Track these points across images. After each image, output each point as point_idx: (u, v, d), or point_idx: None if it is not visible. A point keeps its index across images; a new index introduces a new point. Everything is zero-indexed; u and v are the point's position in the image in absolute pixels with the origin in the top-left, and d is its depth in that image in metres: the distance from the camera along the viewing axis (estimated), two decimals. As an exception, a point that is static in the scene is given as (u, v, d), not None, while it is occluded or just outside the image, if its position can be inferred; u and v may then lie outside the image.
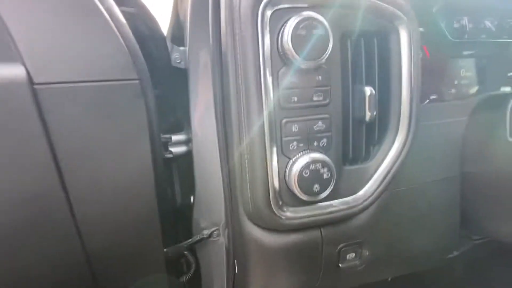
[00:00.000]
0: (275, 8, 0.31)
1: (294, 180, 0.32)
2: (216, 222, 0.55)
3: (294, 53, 0.30)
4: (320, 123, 0.33)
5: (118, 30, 0.50)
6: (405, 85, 0.37)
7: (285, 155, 0.33)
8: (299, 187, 0.32)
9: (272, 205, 0.34)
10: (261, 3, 0.31)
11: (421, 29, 0.50)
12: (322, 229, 0.38)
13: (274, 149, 0.33)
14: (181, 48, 0.68)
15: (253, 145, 0.33)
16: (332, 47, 0.32)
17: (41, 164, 0.41)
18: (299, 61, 0.30)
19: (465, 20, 0.53)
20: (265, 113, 0.32)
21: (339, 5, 0.33)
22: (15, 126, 0.42)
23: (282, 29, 0.30)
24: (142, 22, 0.57)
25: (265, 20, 0.31)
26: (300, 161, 0.32)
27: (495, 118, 0.42)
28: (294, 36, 0.29)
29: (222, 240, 0.54)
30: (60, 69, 0.44)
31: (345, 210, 0.36)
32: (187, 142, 0.69)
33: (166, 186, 0.70)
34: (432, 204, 0.47)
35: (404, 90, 0.37)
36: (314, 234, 0.38)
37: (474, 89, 0.56)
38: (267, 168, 0.33)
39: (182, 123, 0.76)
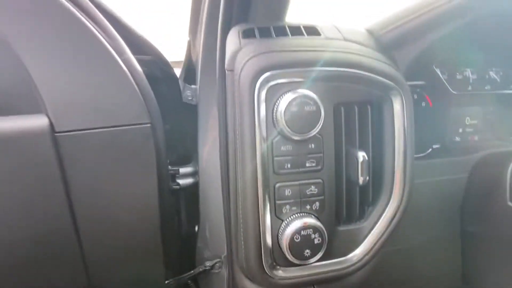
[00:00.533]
0: (272, 83, 0.33)
1: (285, 244, 0.33)
2: (218, 254, 0.57)
3: (287, 127, 0.32)
4: (313, 187, 0.35)
5: (134, 79, 0.54)
6: (398, 150, 0.38)
7: (278, 217, 0.35)
8: (290, 251, 0.34)
9: (264, 264, 0.35)
10: (259, 78, 0.33)
11: (421, 82, 0.52)
12: (315, 287, 0.39)
13: (268, 211, 0.34)
14: (193, 86, 0.72)
15: (246, 206, 0.35)
16: (325, 118, 0.34)
17: (56, 203, 0.45)
18: (292, 134, 0.32)
19: (468, 72, 0.53)
20: (259, 177, 0.34)
21: (333, 79, 0.35)
22: (36, 171, 0.46)
23: (277, 103, 0.32)
24: (157, 67, 0.62)
25: (261, 94, 0.33)
26: (292, 226, 0.34)
27: (495, 179, 0.42)
28: (288, 112, 0.32)
29: (223, 272, 0.56)
30: (79, 118, 0.48)
31: (338, 271, 0.37)
32: (194, 174, 0.72)
33: (172, 216, 0.73)
34: (432, 262, 0.46)
35: (397, 155, 0.38)
36: (307, 291, 0.39)
37: (479, 137, 0.56)
38: (259, 229, 0.35)
39: (190, 155, 0.80)
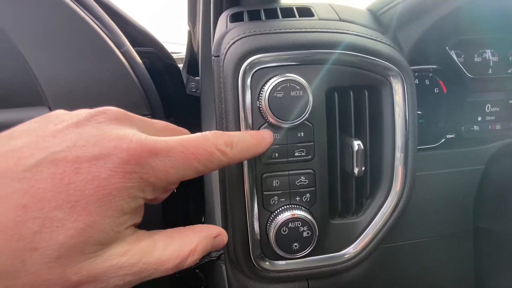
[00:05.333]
0: (258, 67, 0.31)
1: (273, 236, 0.32)
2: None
3: (271, 114, 0.30)
4: (303, 178, 0.33)
5: (133, 71, 0.54)
6: (398, 138, 0.34)
7: (266, 209, 0.33)
8: (277, 244, 0.32)
9: (252, 256, 0.34)
10: (243, 62, 0.31)
11: (433, 66, 0.47)
12: (309, 281, 0.37)
13: (255, 203, 0.33)
14: (196, 77, 0.72)
15: (234, 197, 0.34)
16: (315, 104, 0.32)
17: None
18: (278, 121, 0.30)
19: (488, 53, 0.48)
20: (245, 167, 0.32)
21: (324, 62, 0.32)
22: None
23: (263, 89, 0.31)
24: (158, 59, 0.62)
25: (246, 80, 0.31)
26: (279, 218, 0.32)
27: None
28: (272, 98, 0.30)
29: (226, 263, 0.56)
30: (79, 109, 0.49)
31: (332, 266, 0.35)
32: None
33: (175, 208, 0.74)
34: (442, 260, 0.42)
35: (398, 144, 0.35)
36: (301, 285, 0.37)
37: (502, 126, 0.51)
38: (246, 220, 0.33)
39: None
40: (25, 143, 0.19)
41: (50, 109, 0.49)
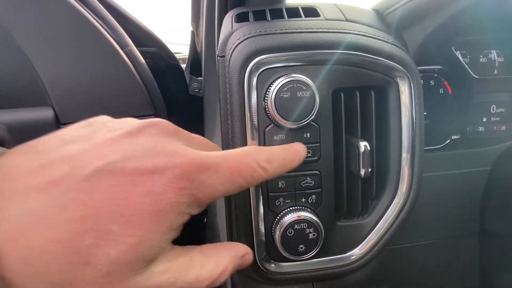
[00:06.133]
0: (264, 68, 0.31)
1: (278, 238, 0.32)
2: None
3: (277, 115, 0.30)
4: (308, 179, 0.33)
5: (137, 71, 0.54)
6: (405, 138, 0.34)
7: (272, 211, 0.33)
8: (283, 246, 0.32)
9: (257, 257, 0.34)
10: (250, 62, 0.31)
11: (438, 66, 0.47)
12: (314, 283, 0.37)
13: (261, 204, 0.33)
14: (199, 78, 0.72)
15: (239, 198, 0.33)
16: (322, 105, 0.31)
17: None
18: (284, 122, 0.30)
19: (493, 54, 0.48)
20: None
21: (331, 62, 0.32)
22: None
23: (269, 89, 0.31)
24: (161, 59, 0.61)
25: (252, 80, 0.31)
26: (285, 219, 0.32)
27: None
28: (278, 99, 0.29)
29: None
30: (83, 110, 0.49)
31: (337, 268, 0.35)
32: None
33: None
34: (447, 261, 0.42)
35: (404, 145, 0.34)
36: (306, 287, 0.37)
37: (507, 127, 0.50)
38: (252, 222, 0.33)
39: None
40: (80, 150, 0.18)
41: (53, 109, 0.48)
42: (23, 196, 0.16)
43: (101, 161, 0.18)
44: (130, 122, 0.21)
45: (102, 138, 0.19)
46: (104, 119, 0.22)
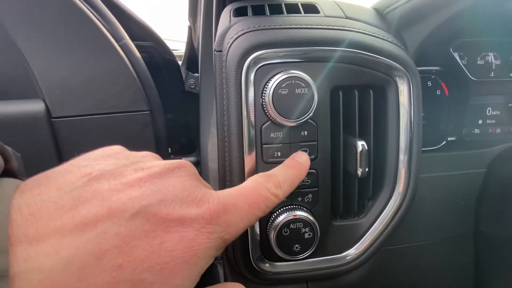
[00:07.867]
0: (263, 63, 0.31)
1: (273, 237, 0.31)
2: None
3: (275, 112, 0.29)
4: (305, 178, 0.32)
5: (132, 65, 0.53)
6: (403, 138, 0.34)
7: (267, 209, 0.33)
8: (278, 246, 0.31)
9: (252, 257, 0.33)
10: (247, 58, 0.30)
11: (436, 67, 0.47)
12: (309, 284, 0.36)
13: None
14: (195, 74, 0.71)
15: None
16: (320, 102, 0.31)
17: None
18: (282, 119, 0.29)
19: (491, 56, 0.48)
20: (246, 166, 0.31)
21: (330, 59, 0.31)
22: (33, 154, 0.47)
23: (267, 85, 0.30)
24: (157, 54, 0.60)
25: (250, 76, 0.30)
26: (280, 218, 0.31)
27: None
28: (276, 95, 0.29)
29: (225, 263, 0.55)
30: (75, 104, 0.48)
31: (332, 268, 0.35)
32: (197, 164, 0.70)
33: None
34: (442, 263, 0.42)
35: (402, 145, 0.34)
36: (300, 287, 0.36)
37: (501, 130, 0.51)
38: None
39: (194, 144, 0.79)
40: (112, 189, 0.18)
41: (44, 102, 0.47)
42: (56, 241, 0.15)
43: (136, 204, 0.17)
44: (157, 162, 0.21)
45: (132, 177, 0.19)
46: (124, 152, 0.21)
